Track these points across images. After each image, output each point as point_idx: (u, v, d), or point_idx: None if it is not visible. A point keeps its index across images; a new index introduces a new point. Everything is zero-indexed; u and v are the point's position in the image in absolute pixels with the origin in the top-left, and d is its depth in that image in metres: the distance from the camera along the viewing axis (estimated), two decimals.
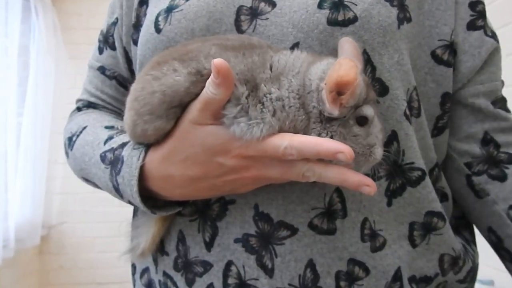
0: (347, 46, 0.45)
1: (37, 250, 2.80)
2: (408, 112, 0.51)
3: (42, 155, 2.68)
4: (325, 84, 0.41)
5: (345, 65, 0.39)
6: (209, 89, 0.42)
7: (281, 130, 0.42)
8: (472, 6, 0.56)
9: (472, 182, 0.57)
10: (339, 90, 0.41)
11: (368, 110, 0.43)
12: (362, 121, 0.43)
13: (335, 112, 0.41)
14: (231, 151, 0.43)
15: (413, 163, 0.51)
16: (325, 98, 0.41)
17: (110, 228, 2.86)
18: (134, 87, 0.49)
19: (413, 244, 0.52)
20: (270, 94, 0.43)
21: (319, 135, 0.42)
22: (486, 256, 0.67)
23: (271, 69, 0.44)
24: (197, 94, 0.44)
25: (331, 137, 0.42)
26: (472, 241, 0.61)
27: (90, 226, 2.89)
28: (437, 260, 0.53)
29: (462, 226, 0.61)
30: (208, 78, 0.42)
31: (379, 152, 0.43)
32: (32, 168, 2.59)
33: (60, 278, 2.85)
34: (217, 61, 0.40)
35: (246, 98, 0.42)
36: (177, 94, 0.45)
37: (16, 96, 2.44)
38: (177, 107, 0.46)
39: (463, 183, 0.58)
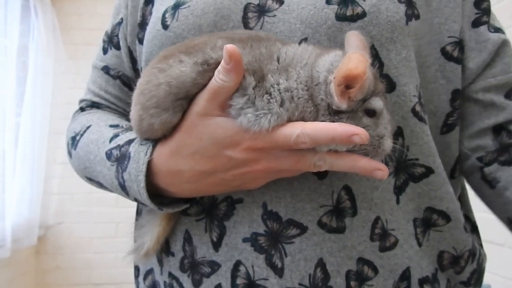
0: (353, 39, 0.45)
1: (34, 250, 2.79)
2: (418, 108, 0.51)
3: (40, 155, 2.67)
4: (334, 78, 0.41)
5: (355, 59, 0.39)
6: (219, 76, 0.42)
7: (289, 121, 0.42)
8: (476, 4, 0.57)
9: (484, 173, 0.56)
10: (347, 84, 0.41)
11: (376, 103, 0.43)
12: (371, 113, 0.43)
13: (343, 105, 0.41)
14: (240, 144, 0.43)
15: (417, 159, 0.51)
16: (333, 91, 0.41)
17: (107, 229, 2.86)
18: (140, 81, 0.49)
19: (419, 243, 0.52)
20: (278, 85, 0.42)
21: None
22: None
23: (278, 61, 0.44)
24: (204, 86, 0.44)
25: None
26: (479, 244, 0.60)
27: (87, 226, 2.88)
28: (435, 256, 0.53)
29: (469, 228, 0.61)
30: (215, 68, 0.42)
31: (388, 143, 0.43)
32: (30, 168, 2.58)
33: (56, 278, 2.84)
34: (230, 46, 0.40)
35: (253, 88, 0.42)
36: (183, 85, 0.44)
37: (15, 96, 2.43)
38: (183, 99, 0.45)
39: (478, 178, 0.57)
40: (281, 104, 0.42)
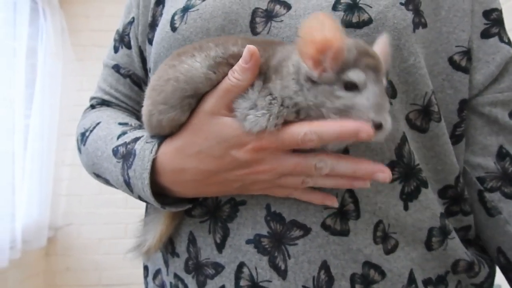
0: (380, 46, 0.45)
1: (44, 251, 2.81)
2: (412, 117, 0.51)
3: (49, 157, 2.68)
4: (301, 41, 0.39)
5: (328, 25, 0.38)
6: (234, 75, 0.42)
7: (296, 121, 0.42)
8: (486, 14, 0.55)
9: (484, 199, 0.54)
10: (320, 51, 0.39)
11: (355, 75, 0.39)
12: (349, 86, 0.40)
13: (314, 74, 0.40)
14: (246, 145, 0.44)
15: (418, 164, 0.51)
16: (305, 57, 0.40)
17: (116, 230, 2.87)
18: (152, 77, 0.50)
19: (429, 248, 0.51)
20: (276, 85, 0.43)
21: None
22: None
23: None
24: (214, 84, 0.45)
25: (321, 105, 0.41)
26: None
27: (96, 227, 2.89)
28: (450, 263, 0.52)
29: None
30: (226, 63, 0.43)
31: (383, 118, 0.39)
32: (39, 170, 2.59)
33: (66, 280, 2.86)
34: (251, 46, 0.41)
35: (258, 91, 0.43)
36: (191, 81, 0.45)
37: (24, 98, 2.45)
38: (191, 98, 0.46)
39: (475, 198, 0.55)
40: (282, 103, 0.42)
